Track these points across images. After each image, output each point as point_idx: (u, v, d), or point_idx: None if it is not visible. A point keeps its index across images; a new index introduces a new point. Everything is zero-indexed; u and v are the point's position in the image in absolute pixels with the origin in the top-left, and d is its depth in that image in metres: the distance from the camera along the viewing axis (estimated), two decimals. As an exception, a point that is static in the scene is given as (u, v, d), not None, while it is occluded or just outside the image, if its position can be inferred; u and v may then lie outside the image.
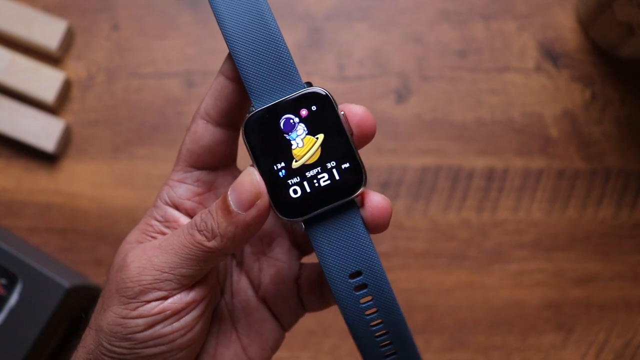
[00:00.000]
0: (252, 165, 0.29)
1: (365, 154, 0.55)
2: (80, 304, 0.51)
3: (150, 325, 0.29)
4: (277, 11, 0.56)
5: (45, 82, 0.54)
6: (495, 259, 0.54)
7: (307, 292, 0.35)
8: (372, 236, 0.30)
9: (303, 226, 0.30)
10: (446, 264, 0.54)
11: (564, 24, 0.56)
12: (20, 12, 0.55)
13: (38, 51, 0.56)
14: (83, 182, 0.55)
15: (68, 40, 0.56)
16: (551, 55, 0.56)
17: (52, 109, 0.55)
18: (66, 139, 0.55)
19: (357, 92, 0.55)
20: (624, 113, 0.55)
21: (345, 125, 0.29)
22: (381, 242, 0.54)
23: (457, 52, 0.56)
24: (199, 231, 0.29)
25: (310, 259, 0.35)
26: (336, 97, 0.55)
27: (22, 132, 0.54)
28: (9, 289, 0.48)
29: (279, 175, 0.29)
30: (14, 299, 0.47)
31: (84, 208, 0.54)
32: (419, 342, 0.53)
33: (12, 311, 0.47)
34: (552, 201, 0.54)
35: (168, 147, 0.55)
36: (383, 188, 0.54)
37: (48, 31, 0.55)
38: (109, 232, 0.54)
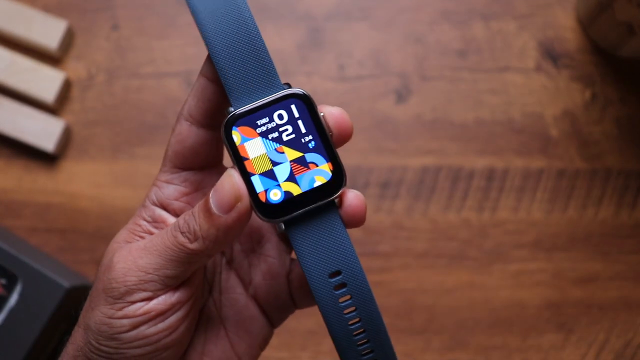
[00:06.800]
0: (233, 167, 0.30)
1: (366, 154, 0.55)
2: (80, 304, 0.51)
3: (135, 326, 0.30)
4: (277, 11, 0.56)
5: (45, 82, 0.54)
6: (495, 259, 0.54)
7: (299, 287, 0.35)
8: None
9: (283, 226, 0.30)
10: (446, 264, 0.54)
11: (564, 24, 0.56)
12: (20, 12, 0.55)
13: (38, 51, 0.56)
14: (83, 182, 0.55)
15: (68, 40, 0.56)
16: (551, 55, 0.56)
17: (52, 109, 0.55)
18: (66, 139, 0.55)
19: (357, 92, 0.55)
20: (624, 113, 0.55)
21: (325, 127, 0.30)
22: (381, 242, 0.54)
23: (457, 52, 0.56)
24: (182, 233, 0.29)
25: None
26: (336, 97, 0.56)
27: (22, 132, 0.54)
28: (9, 289, 0.48)
29: None
30: (14, 299, 0.47)
31: (84, 208, 0.54)
32: (419, 342, 0.53)
33: (12, 311, 0.47)
34: (552, 201, 0.54)
35: (168, 147, 0.55)
36: (383, 188, 0.54)
37: (48, 31, 0.55)
38: (108, 232, 0.54)
